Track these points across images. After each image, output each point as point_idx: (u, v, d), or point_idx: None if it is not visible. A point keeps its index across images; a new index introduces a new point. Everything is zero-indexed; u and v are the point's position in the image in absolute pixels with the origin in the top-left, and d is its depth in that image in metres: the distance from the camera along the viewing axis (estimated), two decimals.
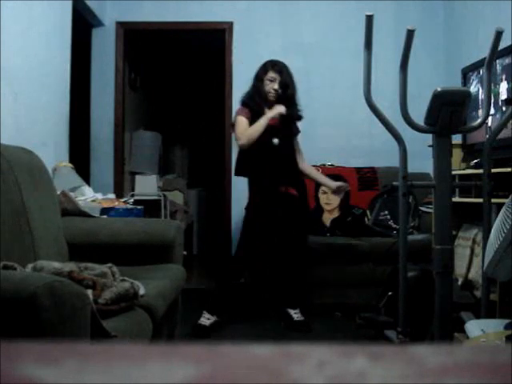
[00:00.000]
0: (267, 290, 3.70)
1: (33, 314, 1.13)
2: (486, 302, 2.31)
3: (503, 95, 2.91)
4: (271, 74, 3.12)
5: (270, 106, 3.13)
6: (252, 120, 3.13)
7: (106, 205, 2.98)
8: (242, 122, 3.14)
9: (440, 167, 2.15)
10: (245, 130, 3.11)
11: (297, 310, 3.25)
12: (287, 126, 3.19)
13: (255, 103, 3.15)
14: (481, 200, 2.39)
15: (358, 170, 4.31)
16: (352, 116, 4.48)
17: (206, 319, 3.12)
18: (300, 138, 3.37)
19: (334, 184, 3.32)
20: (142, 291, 1.76)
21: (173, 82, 7.09)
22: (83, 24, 4.25)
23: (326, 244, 3.69)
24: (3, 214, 1.81)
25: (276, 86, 3.11)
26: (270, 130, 3.09)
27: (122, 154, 4.73)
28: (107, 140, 4.64)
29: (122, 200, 3.39)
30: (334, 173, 4.18)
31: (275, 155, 3.11)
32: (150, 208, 4.50)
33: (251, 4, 4.56)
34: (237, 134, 3.16)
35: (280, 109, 3.09)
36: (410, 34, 2.13)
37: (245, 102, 3.20)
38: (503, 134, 2.62)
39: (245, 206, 3.27)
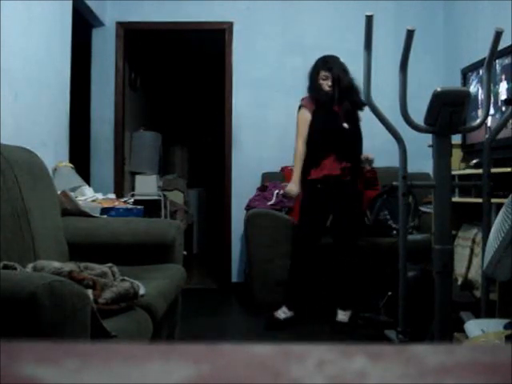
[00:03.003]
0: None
1: (33, 314, 1.13)
2: (486, 302, 2.31)
3: (503, 95, 2.91)
4: (323, 73, 3.21)
5: (336, 101, 3.22)
6: (317, 108, 3.23)
7: (106, 205, 2.98)
8: (303, 121, 3.26)
9: (440, 167, 2.15)
10: (301, 137, 3.23)
11: (346, 312, 3.25)
12: (353, 115, 3.27)
13: (319, 96, 3.24)
14: (480, 200, 2.39)
15: None
16: None
17: (283, 313, 3.18)
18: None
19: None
20: (142, 291, 1.76)
21: (173, 81, 7.09)
22: (83, 24, 4.25)
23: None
24: (3, 213, 1.81)
25: (330, 83, 3.21)
26: (338, 116, 3.20)
27: (122, 154, 4.73)
28: (107, 140, 4.64)
29: (122, 200, 3.39)
30: None
31: (346, 139, 3.22)
32: (150, 208, 4.50)
33: (251, 4, 4.56)
34: (297, 137, 3.28)
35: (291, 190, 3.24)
36: (410, 34, 2.13)
37: (310, 94, 3.29)
38: (503, 134, 2.62)
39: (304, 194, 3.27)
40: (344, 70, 3.23)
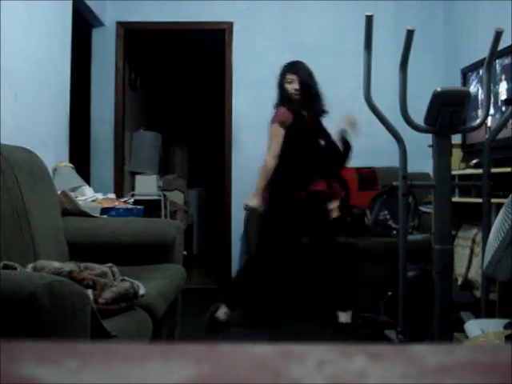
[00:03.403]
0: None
1: (33, 314, 1.13)
2: (486, 302, 2.31)
3: (503, 95, 2.91)
4: (289, 76, 3.20)
5: (298, 106, 3.20)
6: (294, 121, 3.18)
7: (106, 205, 2.98)
8: (276, 136, 3.19)
9: (440, 167, 2.15)
10: (271, 153, 3.17)
11: (346, 313, 3.23)
12: (318, 124, 3.27)
13: (290, 104, 3.21)
14: (480, 200, 2.39)
15: (358, 169, 4.31)
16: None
17: (223, 313, 3.17)
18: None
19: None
20: (142, 291, 1.76)
21: (173, 82, 7.09)
22: (83, 24, 4.25)
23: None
24: (3, 213, 1.81)
25: (296, 86, 3.18)
26: (315, 132, 3.20)
27: (122, 154, 4.73)
28: (107, 140, 4.64)
29: (122, 200, 3.39)
30: None
31: (322, 157, 3.20)
32: (150, 208, 4.50)
33: (251, 4, 4.56)
34: (269, 151, 3.21)
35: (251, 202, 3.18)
36: (410, 34, 2.13)
37: (280, 104, 3.25)
38: (503, 134, 2.62)
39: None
40: (310, 74, 3.22)
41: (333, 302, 3.30)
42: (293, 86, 3.17)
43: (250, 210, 3.28)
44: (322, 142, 3.19)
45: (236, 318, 3.24)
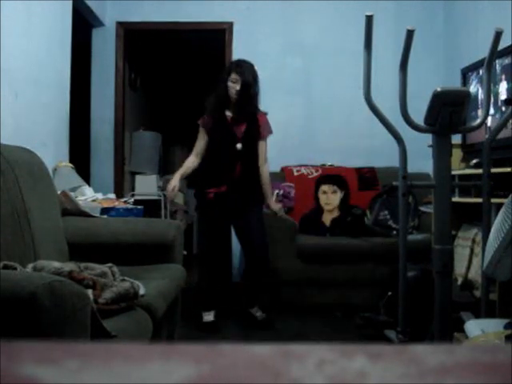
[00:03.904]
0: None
1: (33, 314, 1.13)
2: (486, 302, 2.31)
3: (503, 95, 2.91)
4: (233, 76, 3.14)
5: (233, 107, 3.18)
6: (213, 125, 3.22)
7: (106, 205, 2.98)
8: (198, 138, 3.33)
9: (440, 167, 2.15)
10: (194, 150, 3.33)
11: (255, 308, 3.31)
12: (250, 129, 3.22)
13: (217, 107, 3.21)
14: (480, 200, 2.39)
15: (358, 169, 4.31)
16: (352, 116, 4.48)
17: (208, 316, 3.19)
18: (270, 139, 3.38)
19: (273, 207, 3.36)
20: (142, 291, 1.76)
21: (173, 82, 7.09)
22: (83, 24, 4.25)
23: (326, 244, 3.69)
24: (3, 213, 1.81)
25: (238, 88, 3.14)
26: (233, 136, 3.18)
27: (122, 154, 4.73)
28: (107, 140, 4.64)
29: (122, 200, 3.39)
30: (334, 173, 4.18)
31: (238, 159, 3.19)
32: (150, 208, 4.50)
33: (251, 4, 4.56)
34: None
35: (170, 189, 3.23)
36: (410, 34, 2.13)
37: (209, 109, 3.27)
38: (503, 134, 2.62)
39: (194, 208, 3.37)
40: (255, 78, 3.18)
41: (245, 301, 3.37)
42: (234, 87, 3.13)
43: (170, 193, 3.28)
44: (239, 146, 3.17)
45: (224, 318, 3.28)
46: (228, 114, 3.21)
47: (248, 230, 3.26)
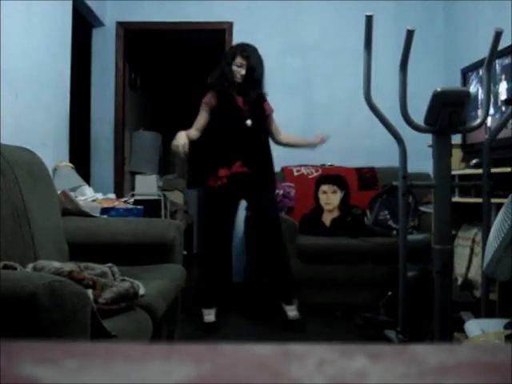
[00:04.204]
0: (268, 289, 3.70)
1: (33, 314, 1.13)
2: (486, 302, 2.31)
3: (503, 95, 2.91)
4: (239, 60, 3.12)
5: (239, 90, 3.15)
6: (219, 103, 3.17)
7: (106, 205, 2.98)
8: (200, 115, 3.26)
9: (440, 167, 2.15)
10: (194, 125, 3.26)
11: (292, 306, 3.22)
12: (257, 108, 3.20)
13: (223, 86, 3.16)
14: (480, 200, 2.39)
15: (358, 170, 4.31)
16: (352, 116, 4.48)
17: (208, 315, 3.16)
18: (275, 115, 3.39)
19: (315, 139, 3.37)
20: (142, 291, 1.76)
21: (173, 82, 7.09)
22: (83, 24, 4.25)
23: (326, 244, 3.69)
24: (3, 213, 1.81)
25: (243, 72, 3.11)
26: (241, 112, 3.14)
27: (122, 154, 4.73)
28: (107, 140, 4.64)
29: (122, 200, 3.39)
30: (334, 173, 4.18)
31: (248, 136, 3.14)
32: (150, 208, 4.50)
33: (251, 4, 4.56)
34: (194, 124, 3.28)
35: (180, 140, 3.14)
36: (410, 34, 2.13)
37: (212, 85, 3.22)
38: (503, 134, 2.62)
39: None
40: (260, 63, 3.15)
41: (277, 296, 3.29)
42: (239, 71, 3.11)
43: (177, 148, 3.16)
44: (249, 122, 3.11)
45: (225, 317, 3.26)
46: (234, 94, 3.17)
47: (266, 211, 3.21)
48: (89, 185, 3.47)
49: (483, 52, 2.39)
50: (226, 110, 3.17)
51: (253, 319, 3.43)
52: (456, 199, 2.82)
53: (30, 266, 1.60)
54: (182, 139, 3.10)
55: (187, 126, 3.44)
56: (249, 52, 3.14)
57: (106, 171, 4.61)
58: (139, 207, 3.14)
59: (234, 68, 3.12)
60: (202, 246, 3.40)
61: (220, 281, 3.26)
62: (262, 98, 3.23)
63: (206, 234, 3.31)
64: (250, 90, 3.14)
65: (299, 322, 3.18)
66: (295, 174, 4.26)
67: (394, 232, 3.67)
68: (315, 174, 4.22)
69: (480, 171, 2.46)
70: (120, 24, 4.59)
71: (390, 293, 2.88)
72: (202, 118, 3.24)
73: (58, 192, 2.50)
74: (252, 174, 3.14)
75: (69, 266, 1.62)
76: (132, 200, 3.58)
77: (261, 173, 3.20)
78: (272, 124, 3.32)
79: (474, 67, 3.29)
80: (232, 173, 3.10)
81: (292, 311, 3.20)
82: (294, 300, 3.24)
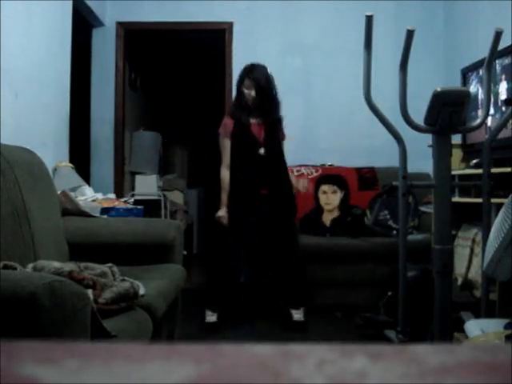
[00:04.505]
0: (268, 289, 3.70)
1: (33, 314, 1.13)
2: (486, 302, 2.31)
3: (503, 95, 2.91)
4: (247, 82, 3.14)
5: (253, 113, 3.17)
6: (235, 129, 3.17)
7: (106, 205, 2.98)
8: (224, 148, 3.23)
9: (440, 167, 2.15)
10: (224, 163, 3.23)
11: (299, 310, 3.25)
12: (272, 134, 3.21)
13: (238, 113, 3.19)
14: (480, 200, 2.39)
15: (358, 170, 4.31)
16: (352, 116, 4.48)
17: (211, 316, 3.17)
18: (290, 139, 3.40)
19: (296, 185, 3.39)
20: (142, 291, 1.76)
21: (173, 82, 7.09)
22: (83, 24, 4.25)
23: (326, 244, 3.69)
24: (3, 213, 1.81)
25: (253, 94, 3.13)
26: (255, 141, 3.15)
27: (122, 154, 4.73)
28: (107, 140, 4.64)
29: (122, 200, 3.39)
30: (334, 173, 4.18)
31: (262, 165, 3.16)
32: (150, 208, 4.50)
33: (251, 4, 4.56)
34: (222, 164, 3.27)
35: (221, 215, 3.23)
36: (410, 34, 2.13)
37: (230, 112, 3.28)
38: (503, 134, 2.62)
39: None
40: (268, 80, 3.15)
41: (285, 300, 3.30)
42: (250, 93, 3.12)
43: (221, 222, 3.27)
44: (262, 151, 3.14)
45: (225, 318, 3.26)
46: (250, 119, 3.19)
47: (281, 240, 3.24)
48: (89, 185, 3.47)
49: (483, 52, 2.39)
50: (240, 137, 3.19)
51: (253, 319, 3.43)
52: (456, 199, 2.82)
53: (30, 265, 1.60)
54: (221, 214, 3.24)
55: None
56: (255, 72, 3.14)
57: (106, 171, 4.61)
58: (139, 207, 3.14)
59: (244, 91, 3.14)
60: (215, 252, 3.40)
61: (229, 285, 3.27)
62: (278, 121, 3.23)
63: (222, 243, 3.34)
64: (268, 110, 3.16)
65: (303, 323, 3.20)
66: (295, 174, 4.26)
67: (394, 232, 3.67)
68: (315, 174, 4.22)
69: (480, 171, 2.46)
70: (120, 24, 4.59)
71: (389, 293, 2.88)
72: (227, 152, 3.22)
73: (58, 192, 2.50)
74: (269, 197, 3.18)
75: (69, 266, 1.62)
76: (132, 200, 3.58)
77: (278, 195, 3.23)
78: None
79: (474, 67, 3.29)
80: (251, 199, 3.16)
81: (298, 314, 3.22)
82: (300, 306, 3.26)
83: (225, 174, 3.23)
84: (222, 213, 3.24)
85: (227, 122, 3.22)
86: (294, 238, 3.33)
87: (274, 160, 3.20)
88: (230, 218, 3.26)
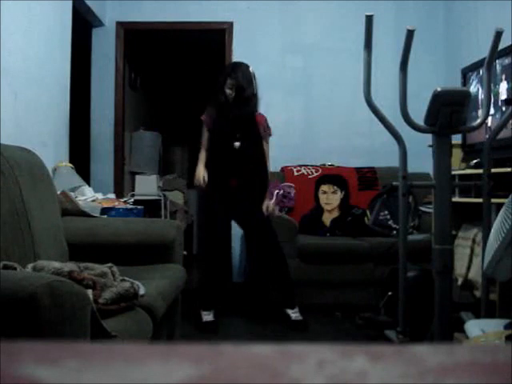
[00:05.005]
0: (265, 289, 3.70)
1: (33, 314, 1.13)
2: (486, 302, 2.31)
3: (503, 95, 2.91)
4: (229, 81, 3.21)
5: (232, 110, 3.22)
6: (213, 124, 3.26)
7: (106, 205, 2.98)
8: (203, 135, 3.34)
9: (440, 167, 2.15)
10: (202, 147, 3.33)
11: (295, 310, 3.26)
12: (249, 129, 3.26)
13: (216, 108, 3.27)
14: (481, 200, 2.39)
15: (358, 170, 4.31)
16: (352, 116, 4.49)
17: (207, 315, 3.17)
18: (271, 139, 3.39)
19: (265, 205, 3.33)
20: (142, 291, 1.76)
21: (173, 82, 7.09)
22: (83, 24, 4.25)
23: (326, 244, 3.69)
24: (3, 213, 1.81)
25: (233, 94, 3.20)
26: (230, 135, 3.21)
27: (122, 154, 4.73)
28: (107, 140, 4.64)
29: (122, 200, 3.39)
30: (334, 173, 4.18)
31: (236, 158, 3.21)
32: (150, 208, 4.50)
33: (251, 4, 4.56)
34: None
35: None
36: (410, 34, 2.13)
37: (207, 109, 3.35)
38: (503, 134, 2.62)
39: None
40: (249, 80, 3.22)
41: (280, 301, 3.32)
42: (231, 93, 3.20)
43: (199, 185, 3.30)
44: (237, 144, 3.20)
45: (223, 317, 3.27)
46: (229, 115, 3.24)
47: (253, 219, 3.27)
48: (89, 185, 3.47)
49: (483, 52, 2.39)
50: (218, 131, 3.27)
51: (252, 319, 3.43)
52: (456, 199, 2.82)
53: (30, 266, 1.60)
54: (200, 175, 3.26)
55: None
56: (238, 72, 3.22)
57: (106, 171, 4.61)
58: (139, 207, 3.14)
59: (226, 90, 3.22)
60: (201, 249, 3.42)
61: (218, 283, 3.28)
62: (252, 117, 3.27)
63: (205, 237, 3.36)
64: (242, 108, 3.21)
65: (303, 322, 3.21)
66: (295, 174, 4.26)
67: (394, 232, 3.67)
68: (315, 174, 4.22)
69: (480, 171, 2.46)
70: (120, 24, 4.59)
71: (390, 293, 2.88)
72: (205, 138, 3.34)
73: (58, 192, 2.50)
74: (240, 186, 3.23)
75: (69, 266, 1.62)
76: (132, 200, 3.58)
77: (249, 185, 3.27)
78: (264, 148, 3.32)
79: (475, 67, 3.29)
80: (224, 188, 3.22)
81: (295, 313, 3.25)
82: (295, 304, 3.28)
83: (199, 169, 3.31)
84: (201, 174, 3.26)
85: (207, 115, 3.31)
86: (267, 227, 3.29)
87: (250, 154, 3.24)
88: (203, 210, 3.31)
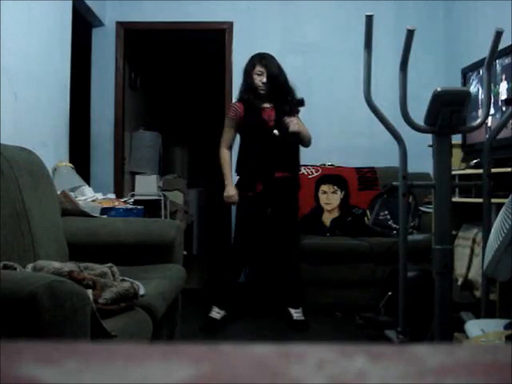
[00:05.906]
0: (267, 288, 3.71)
1: (33, 314, 1.13)
2: (486, 302, 2.31)
3: (503, 95, 2.91)
4: (258, 68, 3.18)
5: (263, 100, 3.19)
6: (246, 113, 3.19)
7: (106, 205, 2.98)
8: (227, 127, 3.29)
9: (440, 167, 2.15)
10: (224, 144, 3.27)
11: (298, 310, 3.26)
12: (285, 115, 3.22)
13: (248, 97, 3.21)
14: (481, 200, 2.39)
15: (358, 170, 4.31)
16: (352, 116, 4.48)
17: (217, 313, 3.18)
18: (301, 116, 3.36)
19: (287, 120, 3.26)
20: (142, 291, 1.76)
21: (173, 82, 7.09)
22: (83, 24, 4.25)
23: (326, 244, 3.69)
24: (3, 213, 1.81)
25: (264, 80, 3.16)
26: (267, 123, 3.16)
27: (122, 154, 4.73)
28: (107, 140, 4.64)
29: (122, 200, 3.39)
30: (334, 173, 4.18)
31: (274, 146, 3.16)
32: (150, 208, 4.50)
33: (251, 4, 4.56)
34: (221, 143, 3.31)
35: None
36: (410, 34, 2.13)
37: (240, 96, 3.28)
38: (503, 134, 2.62)
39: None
40: (280, 69, 3.21)
41: (284, 300, 3.34)
42: (261, 79, 3.17)
43: (233, 204, 3.28)
44: (276, 132, 3.15)
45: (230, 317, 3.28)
46: (262, 104, 3.21)
47: (284, 226, 3.27)
48: (89, 185, 3.47)
49: (483, 52, 2.39)
50: (253, 121, 3.20)
51: (253, 319, 3.43)
52: (456, 199, 2.82)
53: (30, 266, 1.60)
54: (231, 195, 3.21)
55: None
56: (267, 60, 3.20)
57: (106, 171, 4.61)
58: (139, 207, 3.14)
59: (255, 76, 3.18)
60: (234, 248, 3.37)
61: (235, 283, 3.30)
62: (292, 105, 3.24)
63: (235, 240, 3.34)
64: (282, 96, 3.19)
65: (304, 322, 3.22)
66: None
67: (394, 232, 3.67)
68: (315, 174, 4.22)
69: (480, 171, 2.46)
70: (120, 24, 4.59)
71: (390, 293, 2.88)
72: (228, 134, 3.29)
73: (58, 192, 2.50)
74: (283, 181, 3.20)
75: (69, 266, 1.62)
76: (132, 200, 3.58)
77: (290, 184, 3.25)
78: (298, 124, 3.25)
79: (475, 67, 3.28)
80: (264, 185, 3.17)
81: (297, 313, 3.27)
82: (300, 305, 3.30)
83: (224, 152, 3.27)
84: (232, 191, 3.21)
85: (238, 106, 3.25)
86: (297, 237, 3.34)
87: (288, 141, 3.20)
88: (239, 210, 3.25)
